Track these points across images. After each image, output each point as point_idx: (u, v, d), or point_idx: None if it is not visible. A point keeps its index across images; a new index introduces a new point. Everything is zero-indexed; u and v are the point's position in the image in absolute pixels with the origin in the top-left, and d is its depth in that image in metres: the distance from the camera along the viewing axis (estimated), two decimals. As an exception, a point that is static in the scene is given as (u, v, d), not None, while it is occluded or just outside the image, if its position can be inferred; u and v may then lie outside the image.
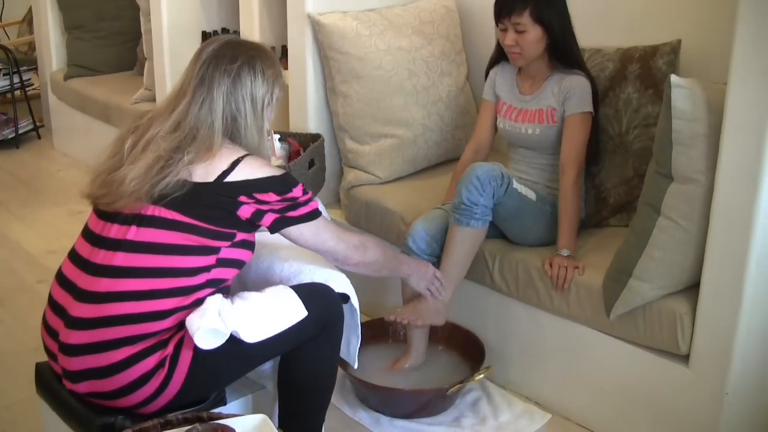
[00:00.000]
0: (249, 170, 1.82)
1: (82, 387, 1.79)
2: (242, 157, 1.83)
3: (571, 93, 2.43)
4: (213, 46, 1.88)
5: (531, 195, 2.43)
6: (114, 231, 1.80)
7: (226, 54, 1.85)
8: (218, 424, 1.57)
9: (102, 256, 1.80)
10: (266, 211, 1.84)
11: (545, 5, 2.38)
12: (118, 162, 1.84)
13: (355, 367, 2.23)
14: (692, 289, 2.13)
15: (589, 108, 2.44)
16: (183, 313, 1.79)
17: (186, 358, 1.78)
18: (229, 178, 1.80)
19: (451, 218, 2.37)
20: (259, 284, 2.02)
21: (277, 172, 1.86)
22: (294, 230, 1.90)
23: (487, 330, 2.59)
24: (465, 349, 2.60)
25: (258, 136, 1.89)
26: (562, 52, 2.45)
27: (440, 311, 2.43)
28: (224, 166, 1.80)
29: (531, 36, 2.40)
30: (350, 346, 2.16)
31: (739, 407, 2.11)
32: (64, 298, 1.83)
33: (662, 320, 2.14)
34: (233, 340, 1.77)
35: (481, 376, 2.45)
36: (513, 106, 2.57)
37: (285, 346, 1.90)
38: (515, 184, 2.37)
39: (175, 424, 1.64)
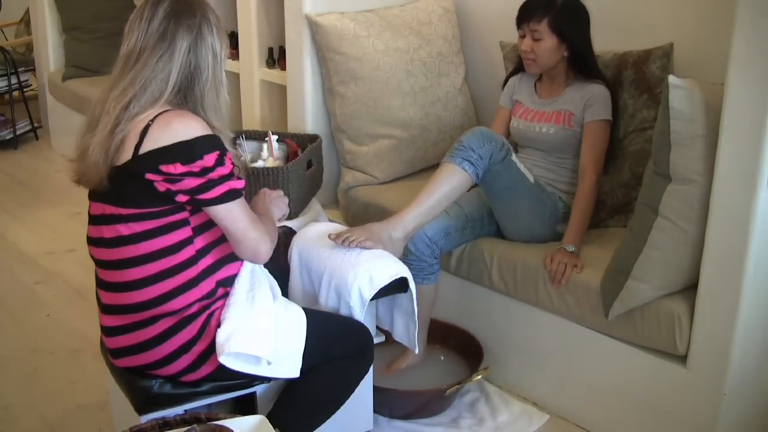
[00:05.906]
0: (158, 133, 1.72)
1: (123, 362, 1.88)
2: (154, 118, 1.74)
3: (592, 100, 2.47)
4: (166, 3, 1.80)
5: (529, 176, 2.44)
6: (94, 231, 1.84)
7: (184, 9, 1.80)
8: (216, 424, 1.57)
9: (101, 253, 1.84)
10: (176, 192, 1.74)
11: (566, 18, 2.42)
12: (89, 130, 1.81)
13: (417, 352, 2.34)
14: (690, 289, 2.13)
15: (609, 116, 2.48)
16: (204, 284, 1.83)
17: None
18: (141, 150, 1.72)
19: (444, 159, 2.36)
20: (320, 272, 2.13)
21: (189, 135, 1.73)
22: (211, 210, 1.78)
23: (485, 330, 2.59)
24: (463, 349, 2.61)
25: (219, 90, 1.84)
26: (581, 64, 2.49)
27: (396, 242, 2.28)
28: (136, 139, 1.72)
29: (546, 44, 2.44)
30: (409, 331, 2.26)
31: (737, 408, 2.11)
32: (97, 284, 1.90)
33: (660, 321, 2.14)
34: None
35: (479, 376, 2.46)
36: (530, 109, 2.60)
37: (320, 358, 1.96)
38: (514, 157, 2.39)
39: (174, 425, 1.64)
